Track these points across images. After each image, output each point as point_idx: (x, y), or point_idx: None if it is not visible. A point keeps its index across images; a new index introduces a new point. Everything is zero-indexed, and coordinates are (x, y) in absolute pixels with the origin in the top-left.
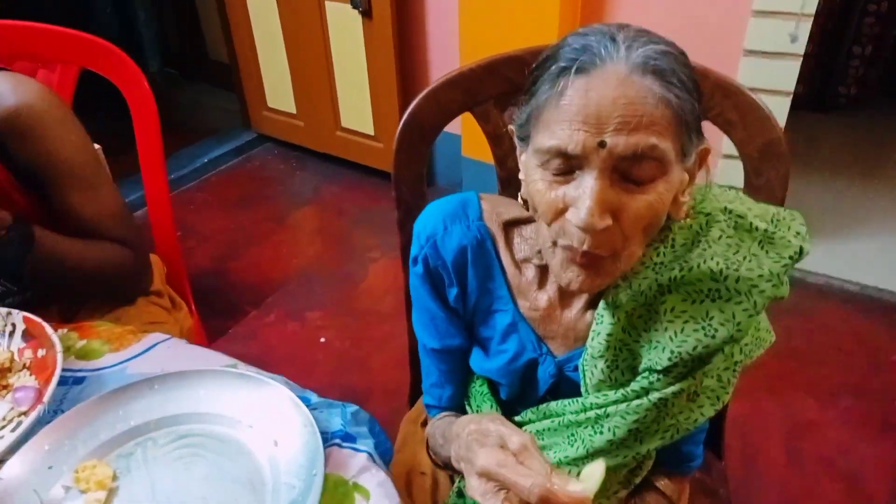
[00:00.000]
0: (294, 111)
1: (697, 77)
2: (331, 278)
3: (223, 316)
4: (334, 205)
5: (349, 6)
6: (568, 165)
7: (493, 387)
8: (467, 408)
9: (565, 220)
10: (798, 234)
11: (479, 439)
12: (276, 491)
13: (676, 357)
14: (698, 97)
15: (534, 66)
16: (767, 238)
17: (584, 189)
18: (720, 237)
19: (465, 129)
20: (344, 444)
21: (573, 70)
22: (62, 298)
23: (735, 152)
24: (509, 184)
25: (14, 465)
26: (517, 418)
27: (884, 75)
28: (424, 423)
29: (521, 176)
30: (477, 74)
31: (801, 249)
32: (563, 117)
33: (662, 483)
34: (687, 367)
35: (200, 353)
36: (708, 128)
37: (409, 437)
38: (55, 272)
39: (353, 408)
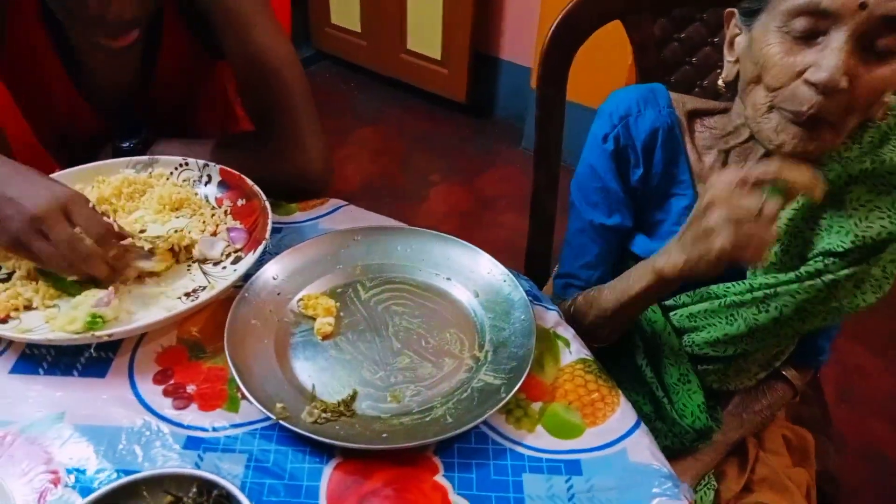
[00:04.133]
0: (358, 29)
1: None
2: (393, 196)
3: None
4: (396, 126)
5: None
6: (814, 27)
7: None
8: None
9: (798, 84)
10: None
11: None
12: (485, 331)
13: (860, 241)
14: None
15: None
16: None
17: (832, 49)
18: None
19: (535, 62)
20: (535, 303)
21: None
22: None
23: None
24: None
25: (250, 289)
26: (669, 301)
27: None
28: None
29: (728, 58)
30: None
31: None
32: None
33: (790, 373)
34: (862, 254)
35: (380, 218)
36: None
37: None
38: None
39: (525, 278)
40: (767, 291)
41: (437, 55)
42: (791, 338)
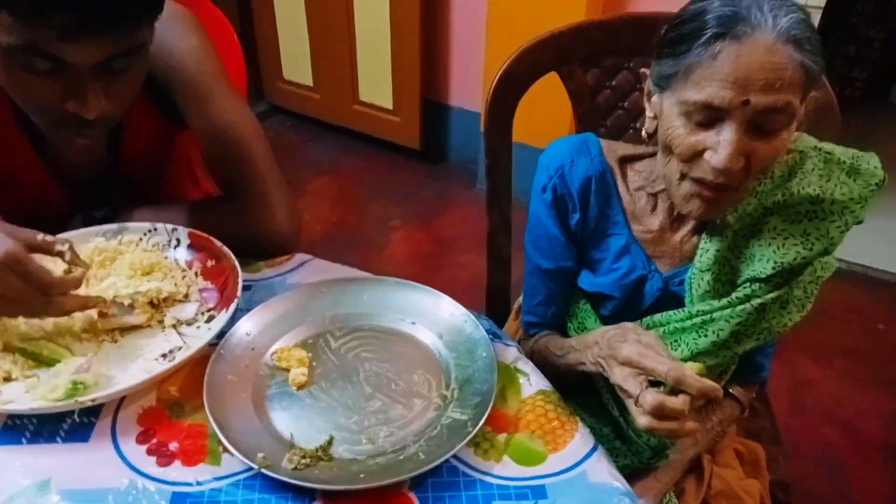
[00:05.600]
0: (311, 83)
1: None
2: (354, 244)
3: None
4: (352, 176)
5: None
6: (711, 117)
7: (595, 305)
8: (569, 325)
9: (702, 160)
10: (877, 167)
11: (620, 337)
12: (451, 370)
13: (779, 266)
14: (823, 54)
15: (676, 22)
16: (854, 169)
17: (725, 138)
18: (813, 169)
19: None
20: (495, 340)
21: (726, 37)
22: None
23: None
24: None
25: (225, 346)
26: None
27: (869, 77)
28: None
29: (648, 114)
30: (566, 35)
31: (884, 178)
32: (714, 76)
33: (736, 390)
34: (783, 278)
35: (344, 269)
36: None
37: None
38: None
39: (484, 317)
40: (705, 317)
41: (389, 104)
42: (731, 359)
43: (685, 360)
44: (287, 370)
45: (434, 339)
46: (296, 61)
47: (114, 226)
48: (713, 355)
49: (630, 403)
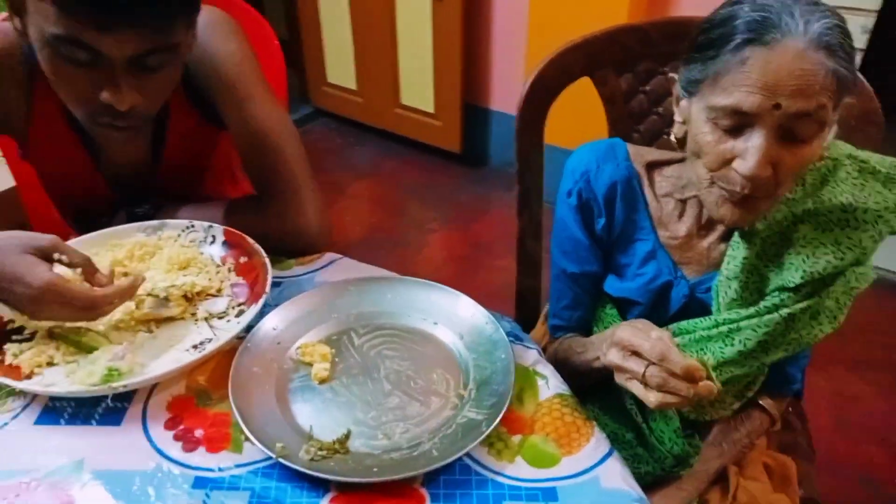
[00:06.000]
0: (354, 87)
1: None
2: (392, 245)
3: None
4: (392, 178)
5: None
6: (739, 122)
7: (622, 311)
8: (595, 330)
9: (730, 168)
10: None
11: (622, 325)
12: (469, 370)
13: (808, 276)
14: (853, 61)
15: (705, 27)
16: (890, 179)
17: (753, 144)
18: (846, 177)
19: None
20: (516, 342)
21: (755, 43)
22: None
23: None
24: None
25: (252, 340)
26: None
27: None
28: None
29: (677, 119)
30: (599, 41)
31: None
32: (743, 82)
33: (766, 402)
34: (814, 288)
35: (372, 269)
36: None
37: None
38: None
39: (509, 318)
40: (731, 326)
41: (431, 108)
42: (758, 369)
43: (712, 369)
44: (310, 365)
45: (455, 339)
46: (340, 65)
47: (154, 222)
48: (740, 365)
49: (636, 386)
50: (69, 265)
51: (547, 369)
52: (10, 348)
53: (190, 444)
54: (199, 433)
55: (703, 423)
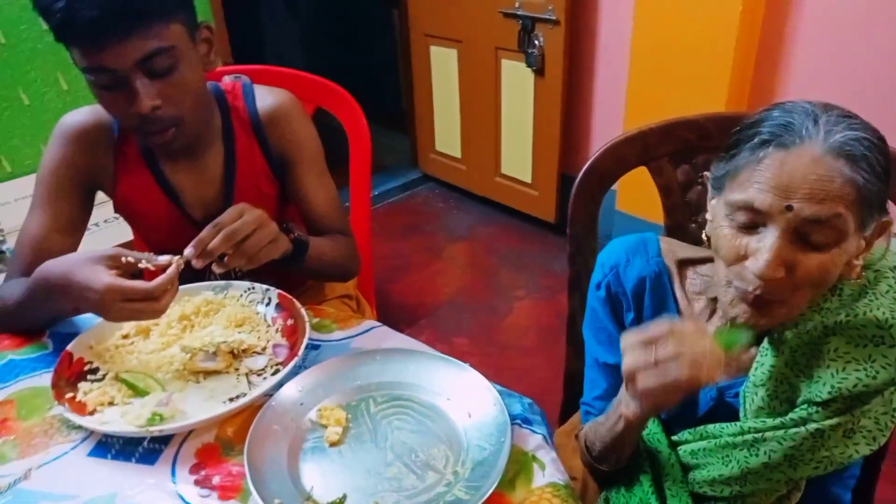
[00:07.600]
0: (459, 156)
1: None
2: (478, 310)
3: None
4: (487, 244)
5: (524, 65)
6: (753, 220)
7: None
8: None
9: (743, 266)
10: None
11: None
12: (469, 450)
13: (836, 392)
14: (886, 179)
15: (738, 128)
16: None
17: (765, 243)
18: (887, 291)
19: (621, 186)
20: (523, 426)
21: (773, 144)
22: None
23: None
24: (674, 232)
25: (277, 399)
26: (674, 437)
27: None
28: (576, 437)
29: (707, 216)
30: (655, 133)
31: None
32: (757, 179)
33: None
34: (845, 404)
35: (404, 339)
36: None
37: (561, 447)
38: (314, 267)
39: (528, 400)
40: (756, 435)
41: (528, 178)
42: (786, 484)
43: (737, 478)
44: (326, 427)
45: (463, 417)
46: (447, 135)
47: (221, 283)
48: (765, 478)
49: (646, 375)
50: (135, 264)
51: (547, 457)
52: (83, 387)
53: (206, 489)
54: (216, 480)
55: None
